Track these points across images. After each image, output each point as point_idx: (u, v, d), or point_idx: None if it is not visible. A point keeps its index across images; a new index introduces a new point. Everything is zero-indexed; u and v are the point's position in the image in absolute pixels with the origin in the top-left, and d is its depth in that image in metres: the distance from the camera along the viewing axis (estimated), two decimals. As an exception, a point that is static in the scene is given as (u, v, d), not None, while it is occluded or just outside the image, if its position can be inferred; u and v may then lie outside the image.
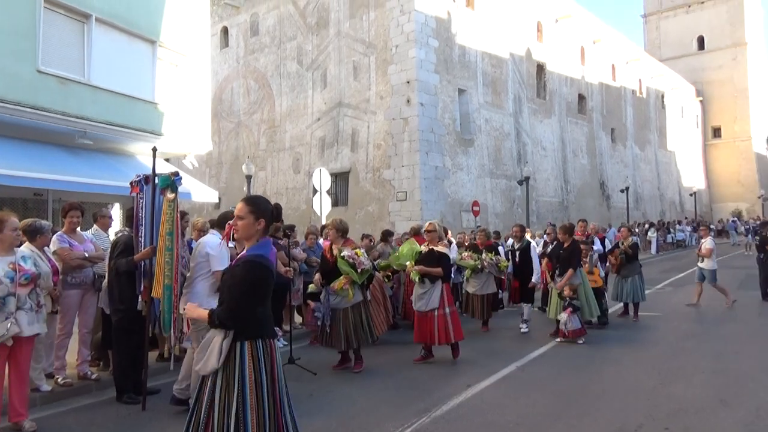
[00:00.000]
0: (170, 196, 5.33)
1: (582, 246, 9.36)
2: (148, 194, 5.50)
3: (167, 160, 13.98)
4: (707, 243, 11.56)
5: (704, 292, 11.68)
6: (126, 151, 12.49)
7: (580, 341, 8.15)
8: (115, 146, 12.12)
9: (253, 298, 3.03)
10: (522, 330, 9.05)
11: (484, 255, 9.00)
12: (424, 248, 7.22)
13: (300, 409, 5.30)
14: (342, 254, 6.50)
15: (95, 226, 6.59)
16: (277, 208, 3.31)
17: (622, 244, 10.42)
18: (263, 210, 3.16)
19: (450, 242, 10.24)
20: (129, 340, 5.55)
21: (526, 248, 9.50)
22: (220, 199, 20.58)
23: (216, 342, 3.05)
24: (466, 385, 6.01)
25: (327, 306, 6.63)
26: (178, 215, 5.35)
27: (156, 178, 5.49)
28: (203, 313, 3.13)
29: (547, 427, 4.83)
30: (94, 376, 6.09)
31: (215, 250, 5.24)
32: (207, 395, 3.02)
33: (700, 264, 11.63)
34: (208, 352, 3.05)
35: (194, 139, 13.56)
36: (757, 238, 13.24)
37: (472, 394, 5.77)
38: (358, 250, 6.63)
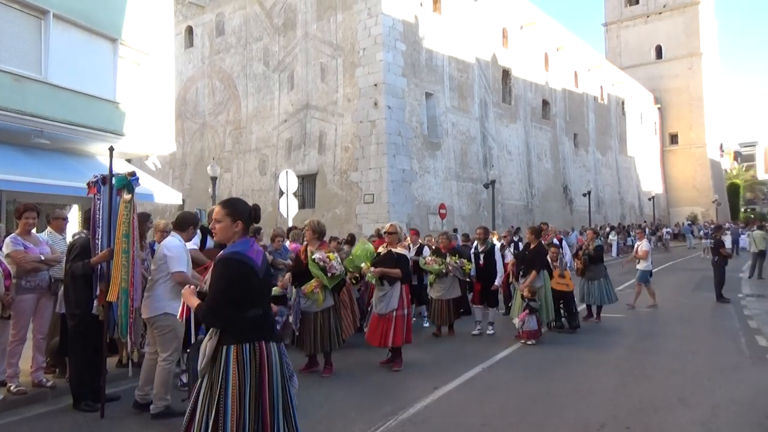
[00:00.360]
0: (126, 197, 5.18)
1: (552, 249, 9.43)
2: (106, 195, 5.33)
3: (129, 160, 13.66)
4: (643, 245, 11.95)
5: (660, 294, 12.03)
6: (86, 151, 12.14)
7: (530, 342, 8.25)
8: (74, 146, 11.77)
9: (231, 295, 3.02)
10: (489, 332, 9.04)
11: (448, 258, 8.79)
12: (382, 249, 7.18)
13: (265, 414, 5.24)
14: (313, 257, 6.43)
15: (49, 228, 6.36)
16: (256, 210, 3.35)
17: (587, 246, 10.51)
18: (240, 212, 3.19)
19: (422, 246, 10.13)
20: (86, 345, 5.36)
21: (490, 251, 9.37)
22: (184, 200, 20.23)
23: (203, 343, 3.09)
24: (432, 388, 6.02)
25: (297, 308, 6.56)
26: (135, 217, 5.20)
27: (113, 178, 5.34)
28: (194, 303, 3.18)
29: (513, 429, 4.88)
30: (49, 384, 5.87)
31: (172, 251, 5.13)
32: (193, 396, 3.06)
33: (638, 266, 11.98)
34: (201, 354, 3.09)
35: (157, 140, 13.27)
36: (712, 241, 13.69)
37: (438, 396, 5.78)
38: (330, 254, 6.54)
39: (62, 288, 5.78)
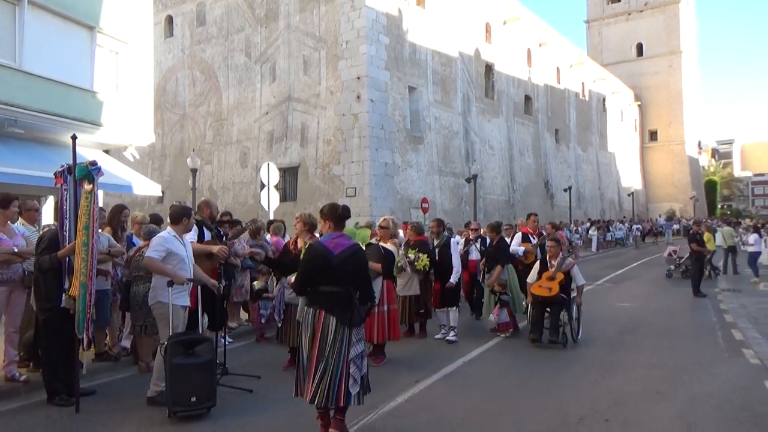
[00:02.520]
0: (87, 187, 5.03)
1: (551, 244, 8.08)
2: (72, 185, 5.18)
3: (107, 151, 13.40)
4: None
5: (638, 288, 12.14)
6: (61, 141, 11.85)
7: (506, 334, 8.24)
8: (49, 136, 11.50)
9: (304, 272, 4.30)
10: (450, 338, 8.07)
11: (401, 251, 7.82)
12: (374, 242, 7.11)
13: (245, 408, 5.18)
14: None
15: (21, 220, 6.19)
16: (341, 209, 4.45)
17: (545, 240, 9.41)
18: (327, 214, 4.43)
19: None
20: (59, 339, 5.23)
21: (445, 245, 8.37)
22: (163, 192, 19.95)
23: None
24: (414, 381, 6.00)
25: (281, 300, 6.48)
26: (95, 208, 5.05)
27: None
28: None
29: (493, 422, 4.88)
30: (22, 378, 5.72)
31: (152, 240, 5.37)
32: None
33: None
34: (299, 308, 4.52)
35: (136, 131, 13.04)
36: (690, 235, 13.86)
37: (419, 390, 5.76)
38: None
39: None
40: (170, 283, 5.10)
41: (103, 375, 6.28)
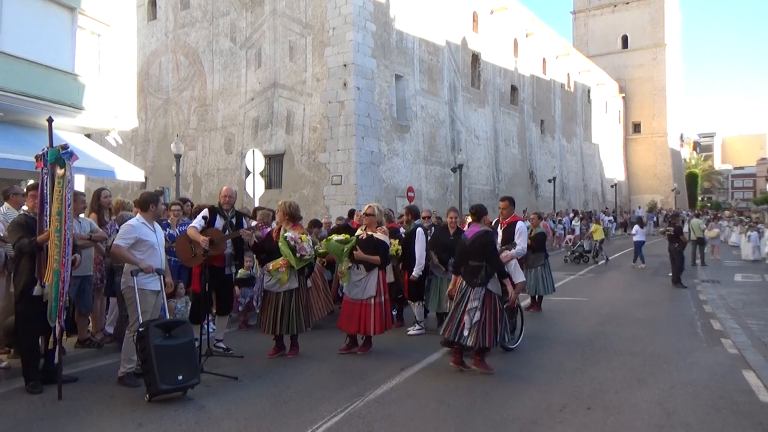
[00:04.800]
0: (60, 171, 4.95)
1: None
2: (51, 169, 5.08)
3: (89, 135, 13.19)
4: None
5: (620, 279, 12.29)
6: (41, 124, 11.51)
7: None
8: (29, 119, 11.26)
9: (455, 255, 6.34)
10: (412, 331, 7.89)
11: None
12: (361, 232, 6.94)
13: (229, 394, 5.17)
14: (285, 234, 6.33)
15: (6, 204, 6.11)
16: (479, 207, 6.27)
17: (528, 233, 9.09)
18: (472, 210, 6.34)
19: (396, 229, 9.17)
20: (30, 325, 5.16)
21: (410, 234, 7.91)
22: (146, 178, 19.71)
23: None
24: (399, 369, 6.04)
25: (260, 286, 6.47)
26: (68, 193, 4.95)
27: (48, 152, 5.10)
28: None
29: (478, 409, 4.93)
30: (3, 365, 5.66)
31: (120, 229, 5.53)
32: None
33: None
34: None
35: (118, 115, 12.81)
36: (671, 228, 14.01)
37: (405, 377, 5.80)
38: (303, 236, 6.46)
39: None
40: (135, 272, 5.20)
41: (86, 362, 6.23)
